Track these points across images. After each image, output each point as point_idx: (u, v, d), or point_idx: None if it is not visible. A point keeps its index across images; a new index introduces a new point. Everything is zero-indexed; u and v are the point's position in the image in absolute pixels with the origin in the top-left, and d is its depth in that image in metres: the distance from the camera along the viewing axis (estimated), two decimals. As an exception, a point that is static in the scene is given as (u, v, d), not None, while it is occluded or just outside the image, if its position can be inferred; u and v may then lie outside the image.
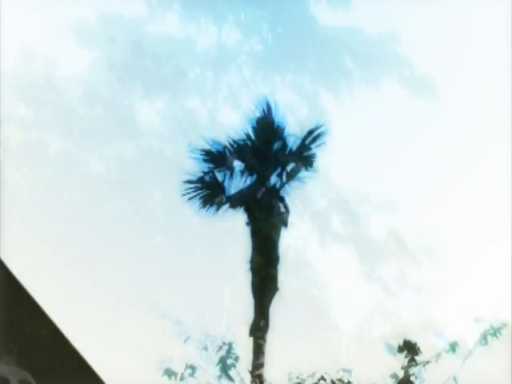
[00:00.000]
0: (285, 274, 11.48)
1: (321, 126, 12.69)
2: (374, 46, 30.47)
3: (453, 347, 9.69)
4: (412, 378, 9.44)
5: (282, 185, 12.62)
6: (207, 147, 12.71)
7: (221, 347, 10.44)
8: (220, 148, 12.76)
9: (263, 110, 12.60)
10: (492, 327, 9.71)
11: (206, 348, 10.54)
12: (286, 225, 12.09)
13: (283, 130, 12.68)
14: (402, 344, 9.82)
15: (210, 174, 12.76)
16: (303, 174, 12.84)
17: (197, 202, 12.65)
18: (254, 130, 12.68)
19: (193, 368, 10.26)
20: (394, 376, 9.56)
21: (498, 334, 9.62)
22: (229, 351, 10.43)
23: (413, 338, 9.89)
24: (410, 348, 9.70)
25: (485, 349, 9.65)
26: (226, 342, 10.55)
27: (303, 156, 12.76)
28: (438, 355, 9.67)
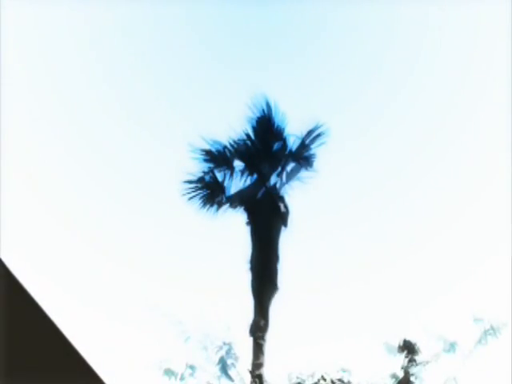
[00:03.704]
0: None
1: (320, 125, 12.65)
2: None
3: (453, 347, 9.66)
4: (412, 378, 9.39)
5: (282, 184, 12.58)
6: (207, 147, 12.67)
7: (221, 347, 10.39)
8: (220, 148, 12.71)
9: (263, 108, 12.52)
10: (492, 327, 9.68)
11: (205, 348, 10.50)
12: (285, 224, 12.05)
13: (283, 129, 12.60)
14: (401, 344, 9.78)
15: (210, 174, 12.72)
16: (303, 173, 12.80)
17: (197, 202, 12.62)
18: (254, 129, 12.61)
19: (192, 368, 10.23)
20: (394, 376, 9.52)
21: (498, 334, 9.59)
22: (229, 351, 10.38)
23: (412, 338, 9.86)
24: (409, 348, 9.66)
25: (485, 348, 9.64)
26: (226, 342, 10.50)
27: (303, 156, 12.71)
28: (437, 355, 9.64)
